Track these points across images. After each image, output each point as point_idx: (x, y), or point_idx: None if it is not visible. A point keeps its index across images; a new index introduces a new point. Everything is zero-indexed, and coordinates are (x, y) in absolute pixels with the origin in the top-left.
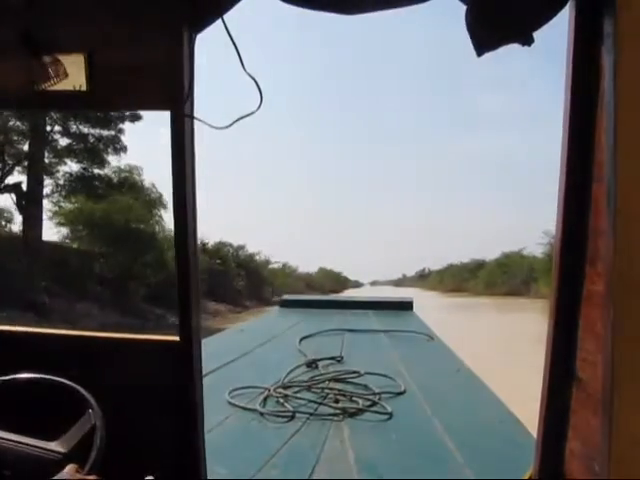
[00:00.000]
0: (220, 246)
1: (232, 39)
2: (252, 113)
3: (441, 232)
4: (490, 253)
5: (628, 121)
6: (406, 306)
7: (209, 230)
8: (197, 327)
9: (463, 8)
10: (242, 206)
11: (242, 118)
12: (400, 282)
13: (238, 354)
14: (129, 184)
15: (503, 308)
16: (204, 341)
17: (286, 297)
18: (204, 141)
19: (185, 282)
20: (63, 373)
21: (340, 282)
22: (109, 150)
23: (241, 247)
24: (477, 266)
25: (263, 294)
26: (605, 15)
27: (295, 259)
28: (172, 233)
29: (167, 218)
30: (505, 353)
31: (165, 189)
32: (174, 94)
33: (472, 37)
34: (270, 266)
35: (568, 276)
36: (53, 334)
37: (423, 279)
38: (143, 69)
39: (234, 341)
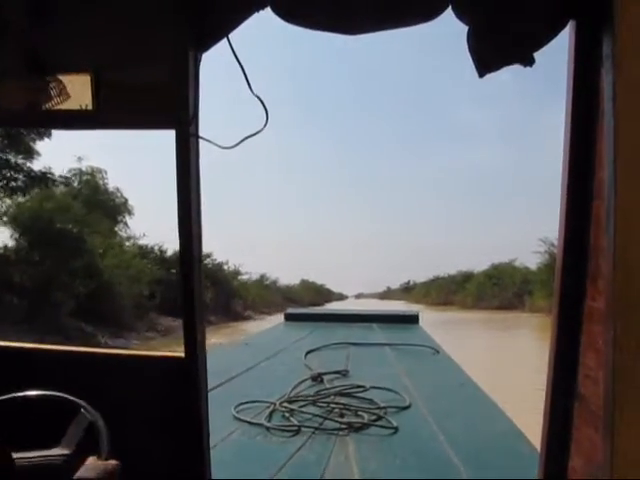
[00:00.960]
0: None
1: (237, 59)
2: (258, 132)
3: (426, 245)
4: (478, 265)
5: (628, 141)
6: (412, 319)
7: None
8: (202, 343)
9: (449, 23)
10: (225, 218)
11: (248, 137)
12: (385, 295)
13: (244, 368)
14: (65, 181)
15: (497, 325)
16: (209, 355)
17: (291, 311)
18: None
19: (190, 300)
20: (69, 390)
21: (322, 294)
22: (32, 135)
23: (207, 255)
24: (464, 278)
25: (233, 308)
26: (604, 37)
27: (278, 272)
28: (134, 240)
29: (132, 224)
30: (509, 391)
31: (130, 194)
32: (179, 113)
33: (474, 58)
34: (241, 277)
35: (569, 293)
36: (60, 350)
37: (408, 292)
38: (148, 88)
39: (239, 355)
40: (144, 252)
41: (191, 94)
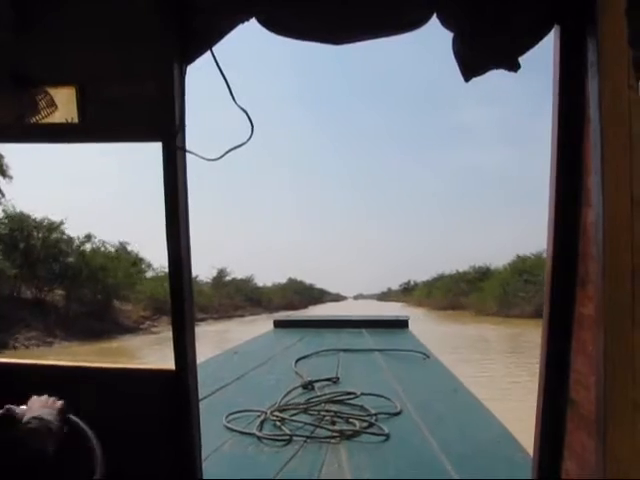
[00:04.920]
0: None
1: (221, 71)
2: (243, 144)
3: (429, 244)
4: (495, 260)
5: (614, 147)
6: (401, 324)
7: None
8: (192, 357)
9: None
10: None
11: (233, 149)
12: (384, 296)
13: (234, 377)
14: None
15: None
16: (199, 365)
17: (279, 318)
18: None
19: (180, 312)
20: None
21: (311, 295)
22: None
23: (54, 226)
24: (479, 275)
25: (111, 316)
26: (589, 43)
27: (269, 272)
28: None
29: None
30: None
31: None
32: (165, 126)
33: (459, 63)
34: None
35: (560, 299)
36: (49, 365)
37: (408, 292)
38: (134, 101)
39: (229, 364)
40: None
41: (177, 106)
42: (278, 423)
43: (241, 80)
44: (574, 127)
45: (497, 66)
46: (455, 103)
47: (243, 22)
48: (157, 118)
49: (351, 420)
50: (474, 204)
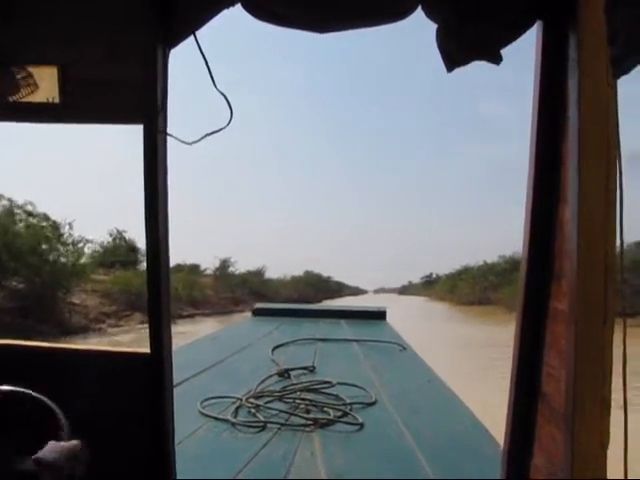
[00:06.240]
0: None
1: (203, 55)
2: (222, 128)
3: (455, 237)
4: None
5: (591, 145)
6: (379, 315)
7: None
8: (168, 340)
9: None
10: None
11: (211, 133)
12: (405, 290)
13: (210, 363)
14: None
15: None
16: (175, 350)
17: (259, 305)
18: None
19: (156, 296)
20: (33, 385)
21: (326, 289)
22: None
23: None
24: (510, 266)
25: (55, 313)
26: (570, 39)
27: (291, 265)
28: None
29: None
30: None
31: None
32: (147, 109)
33: (442, 54)
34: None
35: (534, 294)
36: (26, 346)
37: (429, 286)
38: (116, 83)
39: (206, 350)
40: None
41: (159, 90)
42: (253, 410)
43: (252, 76)
44: (553, 123)
45: (479, 58)
46: (476, 94)
47: (228, 7)
48: (139, 101)
49: (326, 409)
50: (500, 194)
